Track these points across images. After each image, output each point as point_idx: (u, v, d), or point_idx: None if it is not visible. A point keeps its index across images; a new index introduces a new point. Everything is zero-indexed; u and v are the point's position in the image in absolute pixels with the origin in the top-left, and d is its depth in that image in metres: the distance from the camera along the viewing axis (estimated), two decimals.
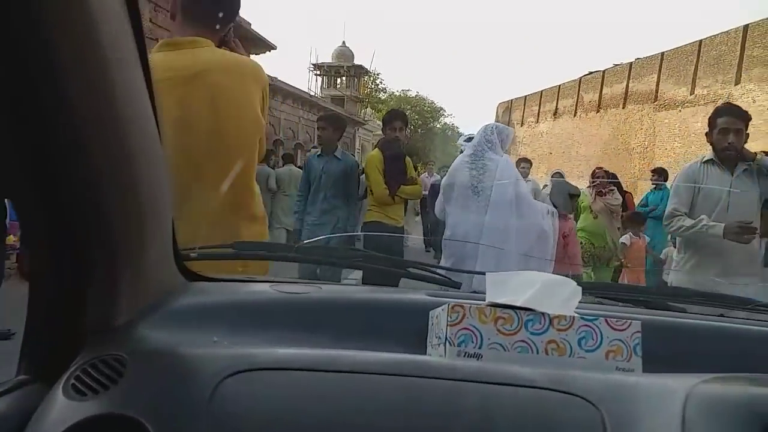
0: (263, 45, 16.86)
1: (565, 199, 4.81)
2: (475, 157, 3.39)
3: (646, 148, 19.76)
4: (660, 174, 7.92)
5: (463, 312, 0.84)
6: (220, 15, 1.62)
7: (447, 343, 0.83)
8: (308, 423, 0.64)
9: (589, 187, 6.44)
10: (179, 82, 1.52)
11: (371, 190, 4.39)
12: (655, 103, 19.59)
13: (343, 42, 31.63)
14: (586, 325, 0.85)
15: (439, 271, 1.14)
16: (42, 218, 0.68)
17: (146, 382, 0.67)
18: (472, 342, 0.83)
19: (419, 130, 44.32)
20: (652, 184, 7.93)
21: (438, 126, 47.36)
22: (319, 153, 4.79)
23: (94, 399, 0.64)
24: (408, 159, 4.58)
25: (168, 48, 1.59)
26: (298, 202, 4.74)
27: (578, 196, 5.60)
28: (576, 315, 0.86)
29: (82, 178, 0.65)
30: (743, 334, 0.97)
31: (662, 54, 19.74)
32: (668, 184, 7.74)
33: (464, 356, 0.82)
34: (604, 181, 6.40)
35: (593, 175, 6.73)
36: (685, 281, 3.06)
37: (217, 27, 1.62)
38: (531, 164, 8.37)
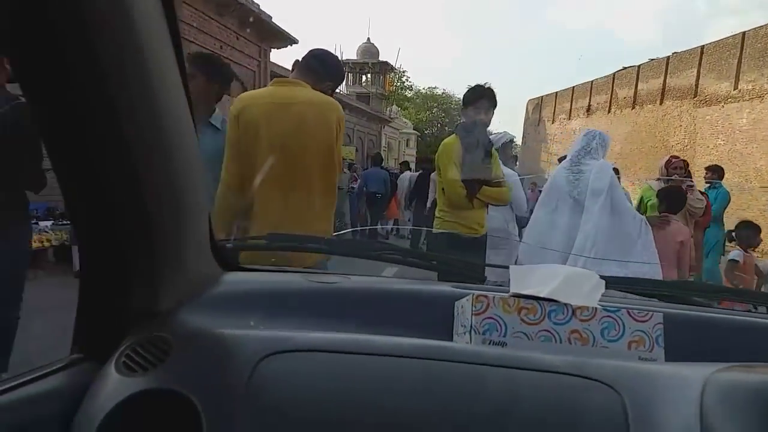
0: (284, 39, 17.06)
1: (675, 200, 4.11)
2: (572, 163, 3.51)
3: (686, 146, 19.40)
4: (714, 171, 6.85)
5: (487, 302, 0.89)
6: (324, 77, 2.38)
7: (472, 332, 0.88)
8: (339, 401, 0.70)
9: (659, 179, 5.23)
10: (279, 107, 2.20)
11: (443, 189, 3.37)
12: (695, 98, 19.22)
13: (368, 39, 31.80)
14: (608, 316, 0.90)
15: (465, 265, 1.19)
16: (88, 214, 0.76)
17: (191, 361, 0.74)
18: (497, 330, 0.89)
19: (446, 128, 44.32)
20: (706, 182, 7.23)
21: None
22: None
23: (144, 375, 0.72)
24: (495, 152, 3.52)
25: (278, 84, 2.37)
26: None
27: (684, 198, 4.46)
28: (598, 306, 0.91)
29: (123, 178, 0.72)
30: (761, 326, 1.00)
31: (702, 47, 19.37)
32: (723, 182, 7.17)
33: (489, 344, 0.88)
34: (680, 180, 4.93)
35: (668, 164, 5.21)
36: None
37: (319, 82, 2.34)
38: None
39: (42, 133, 0.68)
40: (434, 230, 3.46)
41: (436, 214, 3.49)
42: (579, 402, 0.71)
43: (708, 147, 18.34)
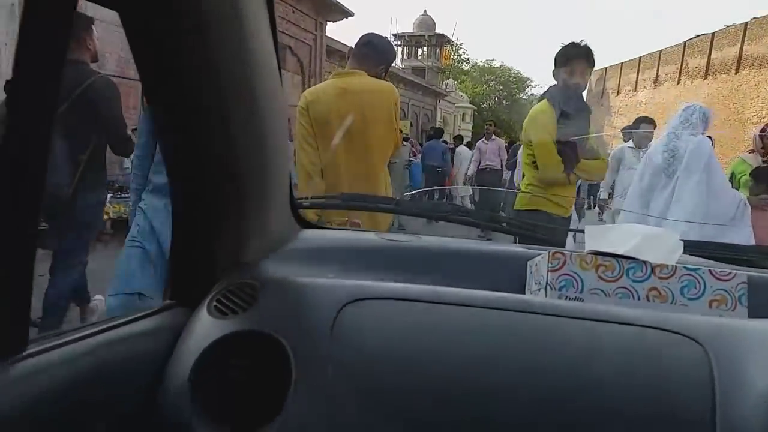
0: (340, 11, 17.07)
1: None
2: (669, 139, 3.36)
3: (763, 117, 18.36)
4: None
5: (563, 259, 0.90)
6: (377, 62, 2.66)
7: (548, 288, 0.90)
8: (419, 347, 0.73)
9: (752, 152, 4.79)
10: (342, 95, 2.50)
11: (534, 163, 2.99)
12: None
13: (425, 11, 31.33)
14: (688, 275, 0.89)
15: (534, 228, 1.20)
16: (184, 169, 0.82)
17: (278, 305, 0.79)
18: (573, 287, 0.90)
19: (504, 102, 43.50)
20: None
21: (524, 97, 46.46)
22: None
23: (234, 318, 0.77)
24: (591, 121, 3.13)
25: (338, 75, 2.68)
26: (136, 173, 2.59)
27: None
28: (678, 265, 0.90)
29: (218, 140, 0.78)
30: None
31: None
32: None
33: (565, 300, 0.89)
34: None
35: (764, 133, 4.64)
36: None
37: (373, 67, 2.64)
38: (655, 125, 5.97)
39: (147, 93, 0.73)
40: (520, 209, 3.07)
41: (522, 188, 3.15)
42: (661, 354, 0.71)
43: None
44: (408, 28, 31.51)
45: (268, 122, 0.82)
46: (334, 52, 17.83)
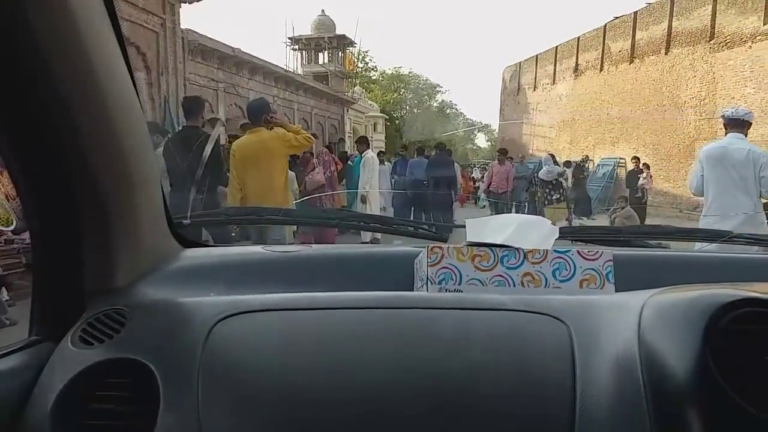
0: None
1: None
2: None
3: (704, 99, 18.67)
4: None
5: (441, 253, 1.05)
6: (260, 117, 5.29)
7: (428, 283, 1.04)
8: (293, 355, 0.84)
9: None
10: (255, 146, 5.22)
11: None
12: (712, 41, 18.23)
13: (323, 11, 31.67)
14: (559, 257, 1.06)
15: (423, 226, 1.35)
16: (38, 193, 0.89)
17: (146, 329, 0.88)
18: (452, 279, 1.04)
19: (415, 110, 44.88)
20: None
21: (435, 104, 48.42)
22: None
23: (100, 347, 0.85)
24: None
25: (250, 132, 5.43)
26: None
27: None
28: (549, 249, 1.06)
29: (72, 156, 0.85)
30: (715, 261, 1.17)
31: None
32: None
33: (445, 292, 1.03)
34: None
35: None
36: None
37: (261, 121, 5.28)
38: None
39: None
40: None
41: None
42: (527, 334, 0.85)
43: (733, 98, 17.08)
44: (305, 30, 31.71)
45: (123, 136, 0.91)
46: (206, 51, 16.23)
